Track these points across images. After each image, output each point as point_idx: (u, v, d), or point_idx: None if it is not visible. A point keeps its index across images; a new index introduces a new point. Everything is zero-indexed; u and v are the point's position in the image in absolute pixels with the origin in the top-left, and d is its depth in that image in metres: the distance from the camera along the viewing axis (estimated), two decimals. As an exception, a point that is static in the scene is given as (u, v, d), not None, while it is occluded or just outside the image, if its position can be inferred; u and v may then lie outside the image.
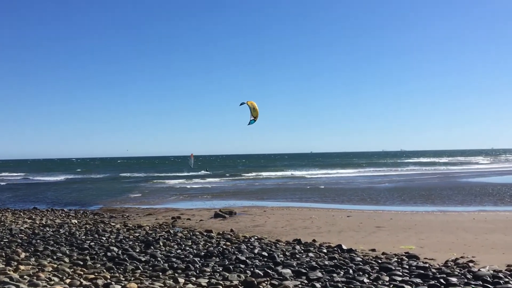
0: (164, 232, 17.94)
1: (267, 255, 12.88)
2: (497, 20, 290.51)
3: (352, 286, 9.55)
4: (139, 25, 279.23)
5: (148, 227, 19.74)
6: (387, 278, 10.15)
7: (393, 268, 11.09)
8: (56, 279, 9.92)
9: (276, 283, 9.78)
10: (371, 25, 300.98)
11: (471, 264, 11.80)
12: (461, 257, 12.81)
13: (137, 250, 13.96)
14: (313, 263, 11.69)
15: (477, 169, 73.18)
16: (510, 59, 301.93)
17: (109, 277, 10.40)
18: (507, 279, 9.93)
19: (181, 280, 10.01)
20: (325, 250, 13.88)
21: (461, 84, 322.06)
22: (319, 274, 10.46)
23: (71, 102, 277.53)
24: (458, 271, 10.89)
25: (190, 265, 11.62)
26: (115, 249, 13.94)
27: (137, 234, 17.38)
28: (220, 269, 11.25)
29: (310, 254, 13.12)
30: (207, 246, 14.83)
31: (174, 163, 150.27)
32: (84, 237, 16.73)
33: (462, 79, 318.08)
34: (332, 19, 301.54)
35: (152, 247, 14.40)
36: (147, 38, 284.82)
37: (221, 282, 9.86)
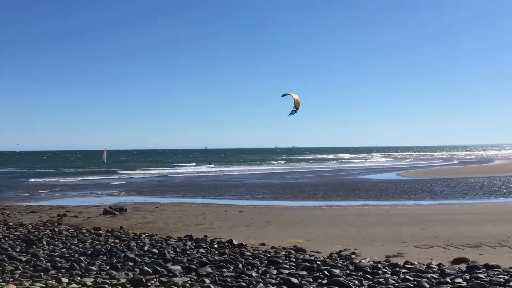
0: (48, 231, 17.03)
1: (157, 252, 12.69)
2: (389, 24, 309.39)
3: (241, 280, 9.67)
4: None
5: (30, 225, 18.64)
6: (275, 272, 10.40)
7: (281, 261, 11.39)
8: None
9: (165, 280, 9.65)
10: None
11: (353, 256, 12.48)
12: (345, 249, 13.48)
13: (18, 250, 13.08)
14: (204, 259, 11.70)
15: (363, 166, 77.23)
16: (385, 63, 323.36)
17: (-16, 279, 9.68)
18: (385, 270, 10.59)
19: (65, 280, 9.54)
20: (216, 246, 13.95)
21: (351, 85, 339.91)
22: (209, 270, 10.48)
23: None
24: (341, 263, 11.44)
25: (75, 264, 11.11)
26: (-8, 249, 13.00)
27: (18, 233, 16.35)
28: (107, 268, 10.88)
29: (201, 250, 13.12)
30: (94, 244, 14.30)
31: (68, 158, 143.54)
32: (-44, 237, 15.43)
33: (350, 80, 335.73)
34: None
35: (34, 246, 13.61)
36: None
37: (107, 281, 9.53)
